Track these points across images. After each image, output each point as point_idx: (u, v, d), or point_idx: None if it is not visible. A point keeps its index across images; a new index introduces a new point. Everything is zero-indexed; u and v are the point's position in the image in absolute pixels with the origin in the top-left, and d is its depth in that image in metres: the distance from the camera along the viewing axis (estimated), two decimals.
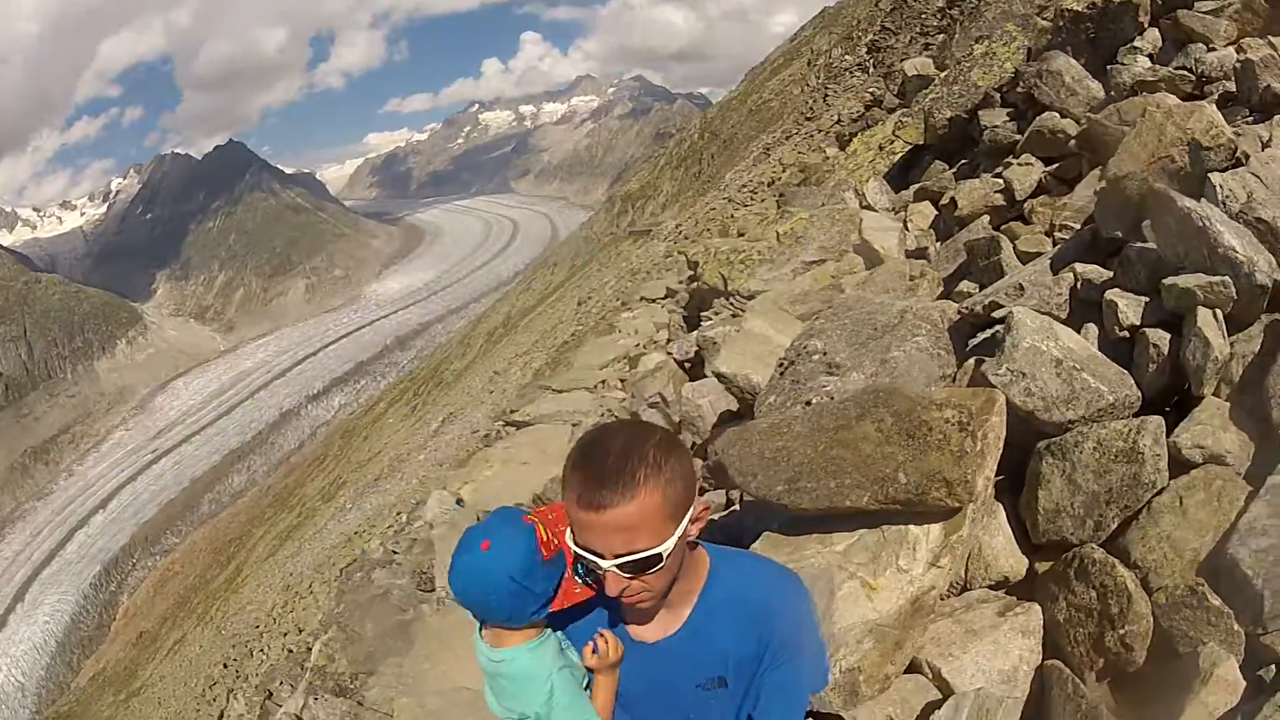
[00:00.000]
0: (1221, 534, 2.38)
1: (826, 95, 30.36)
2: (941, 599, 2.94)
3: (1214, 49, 5.70)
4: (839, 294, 7.14)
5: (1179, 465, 2.70)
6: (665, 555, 1.43)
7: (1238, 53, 5.42)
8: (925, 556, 2.82)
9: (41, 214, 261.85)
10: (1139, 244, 3.42)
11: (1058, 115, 6.17)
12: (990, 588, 3.05)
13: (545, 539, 1.51)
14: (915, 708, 2.59)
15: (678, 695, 1.63)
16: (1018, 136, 6.87)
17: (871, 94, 26.24)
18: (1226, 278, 2.78)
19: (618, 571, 1.43)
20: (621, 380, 10.59)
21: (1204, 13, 6.00)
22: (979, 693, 2.53)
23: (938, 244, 7.75)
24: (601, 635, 1.61)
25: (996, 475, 3.18)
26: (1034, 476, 3.07)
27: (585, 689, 1.63)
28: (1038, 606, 2.79)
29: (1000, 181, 6.68)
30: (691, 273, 13.89)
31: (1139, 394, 3.04)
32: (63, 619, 64.48)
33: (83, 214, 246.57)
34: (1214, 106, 4.14)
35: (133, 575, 64.10)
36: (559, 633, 1.66)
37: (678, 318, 12.34)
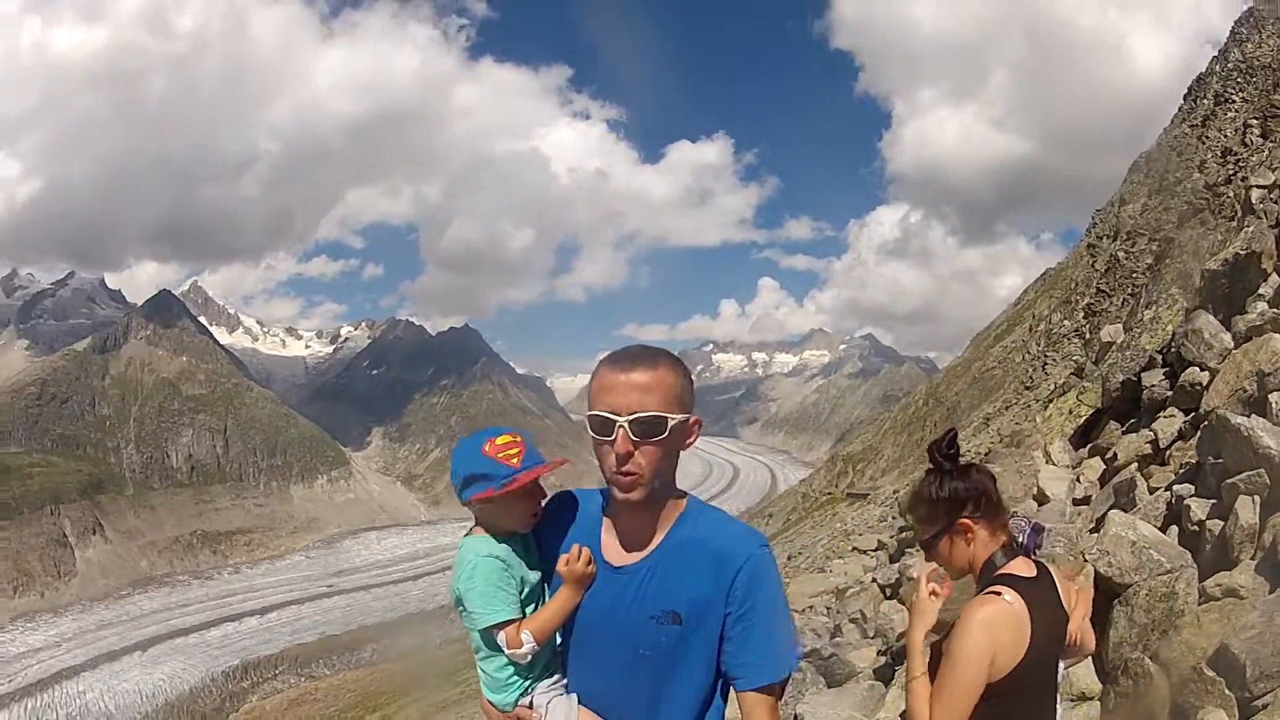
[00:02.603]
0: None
1: (1045, 364, 30.25)
2: None
3: None
4: None
5: (1207, 600, 3.54)
6: (669, 425, 1.62)
7: None
8: None
9: (266, 330, 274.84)
10: (1212, 460, 4.38)
11: (1197, 369, 6.71)
12: (1073, 700, 3.94)
13: (495, 444, 1.78)
14: None
15: (631, 623, 1.71)
16: (1169, 393, 7.47)
17: (1076, 362, 26.25)
18: (1262, 470, 3.72)
19: (628, 431, 1.60)
20: (828, 608, 11.53)
21: None
22: None
23: (1100, 490, 8.61)
24: (579, 546, 1.76)
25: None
26: (1108, 623, 3.98)
27: (523, 595, 1.77)
28: (1096, 702, 3.66)
29: (1151, 433, 7.48)
30: (902, 523, 15.03)
31: (1195, 566, 3.93)
32: (181, 686, 66.22)
33: (308, 346, 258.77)
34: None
35: (270, 683, 65.07)
36: (527, 549, 1.82)
37: (885, 559, 13.41)
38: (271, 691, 61.78)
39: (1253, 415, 4.06)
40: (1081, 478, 9.43)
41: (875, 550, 16.04)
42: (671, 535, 1.74)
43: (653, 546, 1.74)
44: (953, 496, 2.07)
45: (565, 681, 1.81)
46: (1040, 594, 2.03)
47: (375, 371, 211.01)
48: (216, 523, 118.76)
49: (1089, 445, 10.33)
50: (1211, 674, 3.02)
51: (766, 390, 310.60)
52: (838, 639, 8.83)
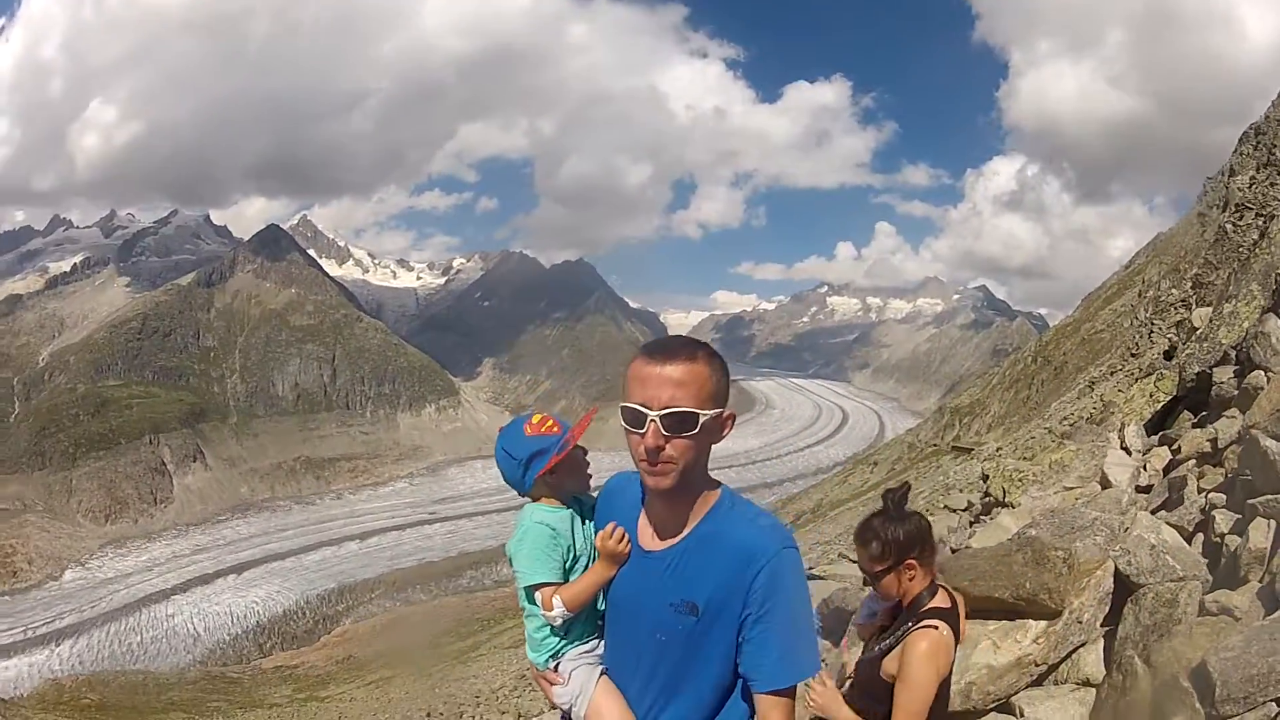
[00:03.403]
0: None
1: (1152, 332, 29.89)
2: (1035, 664, 4.32)
3: None
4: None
5: (1205, 614, 3.77)
6: (700, 421, 1.63)
7: None
8: (1031, 635, 4.35)
9: (376, 262, 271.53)
10: (1245, 475, 4.52)
11: (1262, 373, 6.61)
12: (1076, 684, 4.31)
13: (533, 424, 1.89)
14: None
15: (652, 608, 1.76)
16: (1235, 392, 7.47)
17: (1170, 340, 25.50)
18: None
19: (659, 425, 1.61)
20: None
21: None
22: None
23: (1160, 483, 8.66)
24: (614, 524, 1.85)
25: (1105, 625, 4.42)
26: (1119, 618, 4.27)
27: (568, 566, 1.89)
28: (1094, 690, 4.00)
29: (1213, 431, 7.47)
30: (985, 484, 15.37)
31: (1207, 578, 4.13)
32: (274, 608, 65.37)
33: (419, 278, 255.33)
34: None
35: (365, 606, 64.87)
36: (584, 521, 1.95)
37: (965, 521, 13.90)
38: (366, 615, 61.75)
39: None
40: (1148, 466, 9.46)
41: (963, 510, 16.23)
42: (700, 527, 1.77)
43: (681, 536, 1.78)
44: (905, 539, 2.62)
45: (600, 651, 1.94)
46: (955, 618, 2.67)
47: (487, 303, 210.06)
48: (321, 449, 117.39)
49: (1160, 433, 10.30)
50: (1187, 686, 3.25)
51: (879, 336, 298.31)
52: None
